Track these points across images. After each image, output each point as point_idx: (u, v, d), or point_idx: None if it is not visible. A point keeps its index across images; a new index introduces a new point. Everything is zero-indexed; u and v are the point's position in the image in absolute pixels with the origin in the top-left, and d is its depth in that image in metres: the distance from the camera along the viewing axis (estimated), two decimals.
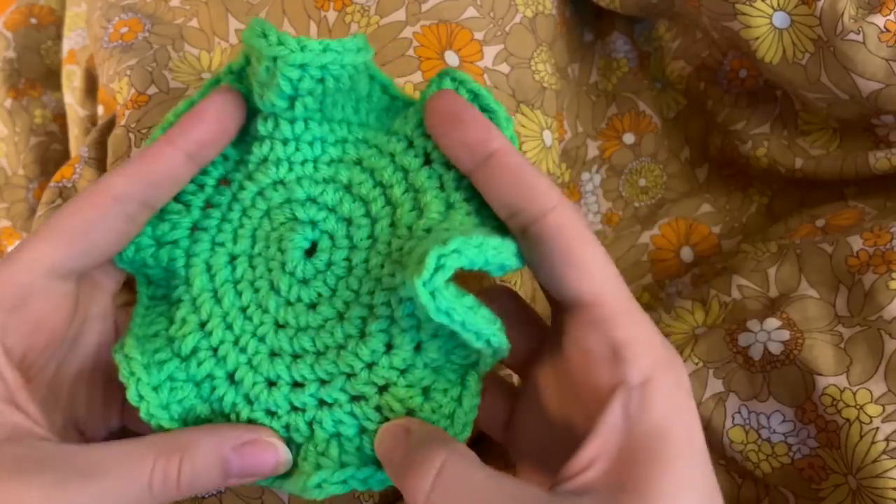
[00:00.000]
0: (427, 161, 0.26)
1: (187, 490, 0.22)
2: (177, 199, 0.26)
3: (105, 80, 0.38)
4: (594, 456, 0.20)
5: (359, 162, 0.27)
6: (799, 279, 0.33)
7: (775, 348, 0.31)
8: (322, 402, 0.24)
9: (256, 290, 0.26)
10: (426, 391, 0.24)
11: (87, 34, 0.47)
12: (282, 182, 0.26)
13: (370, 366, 0.24)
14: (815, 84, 0.35)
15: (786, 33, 0.35)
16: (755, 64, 0.37)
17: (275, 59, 0.23)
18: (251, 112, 0.26)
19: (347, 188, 0.26)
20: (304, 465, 0.24)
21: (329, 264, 0.26)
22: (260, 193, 0.26)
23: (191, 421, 0.25)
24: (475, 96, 0.25)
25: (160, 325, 0.26)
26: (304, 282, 0.26)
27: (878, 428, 0.28)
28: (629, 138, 0.45)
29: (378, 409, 0.24)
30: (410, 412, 0.24)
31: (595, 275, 0.21)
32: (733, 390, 0.31)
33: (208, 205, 0.27)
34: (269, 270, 0.26)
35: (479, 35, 0.36)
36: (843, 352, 0.29)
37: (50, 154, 0.48)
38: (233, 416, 0.25)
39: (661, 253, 0.41)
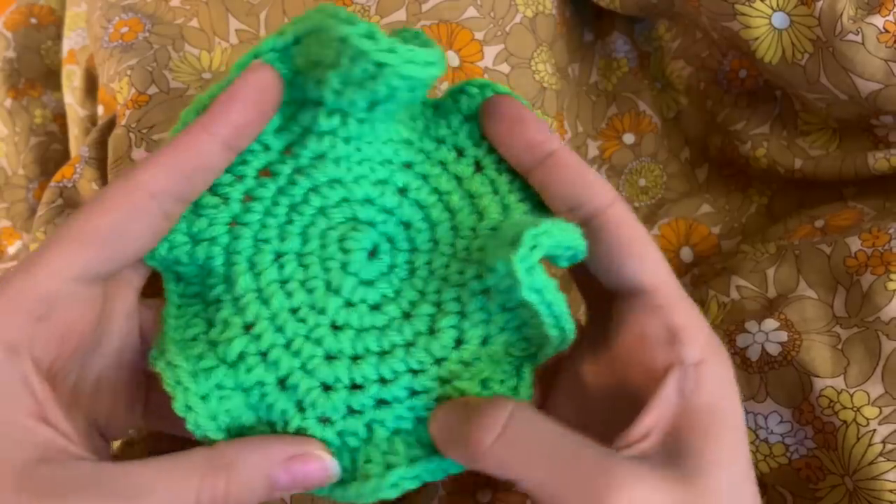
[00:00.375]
0: (478, 168, 0.26)
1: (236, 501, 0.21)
2: (212, 191, 0.24)
3: (105, 80, 0.38)
4: (650, 427, 0.21)
5: (409, 165, 0.26)
6: (797, 280, 0.33)
7: (773, 349, 0.31)
8: (380, 402, 0.24)
9: (310, 291, 0.24)
10: (484, 382, 0.24)
11: (87, 34, 0.47)
12: (339, 181, 0.25)
13: (440, 361, 0.24)
14: (815, 84, 0.35)
15: (785, 34, 0.35)
16: (755, 64, 0.37)
17: (380, 64, 0.21)
18: (291, 97, 0.24)
19: (402, 191, 0.26)
20: (368, 467, 0.23)
21: (392, 266, 0.25)
22: (314, 190, 0.25)
23: (235, 431, 0.23)
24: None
25: (197, 328, 0.24)
26: (368, 283, 0.25)
27: (874, 430, 0.28)
28: (629, 138, 0.45)
29: (437, 400, 0.24)
30: None
31: (654, 265, 0.23)
32: None
33: (248, 197, 0.25)
34: (327, 270, 0.25)
35: (479, 35, 0.36)
36: (840, 353, 0.29)
37: (50, 154, 0.48)
38: (280, 425, 0.24)
39: None
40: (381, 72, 0.21)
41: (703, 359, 0.22)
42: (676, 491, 0.19)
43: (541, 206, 0.26)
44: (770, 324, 0.31)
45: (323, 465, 0.23)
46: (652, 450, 0.21)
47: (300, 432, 0.23)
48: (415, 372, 0.24)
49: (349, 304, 0.24)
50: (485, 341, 0.25)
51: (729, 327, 0.32)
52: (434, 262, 0.26)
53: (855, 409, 0.28)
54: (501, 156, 0.26)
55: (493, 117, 0.25)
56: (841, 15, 0.33)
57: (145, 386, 0.26)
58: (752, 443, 0.31)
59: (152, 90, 0.35)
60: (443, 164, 0.27)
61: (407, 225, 0.26)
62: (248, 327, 0.24)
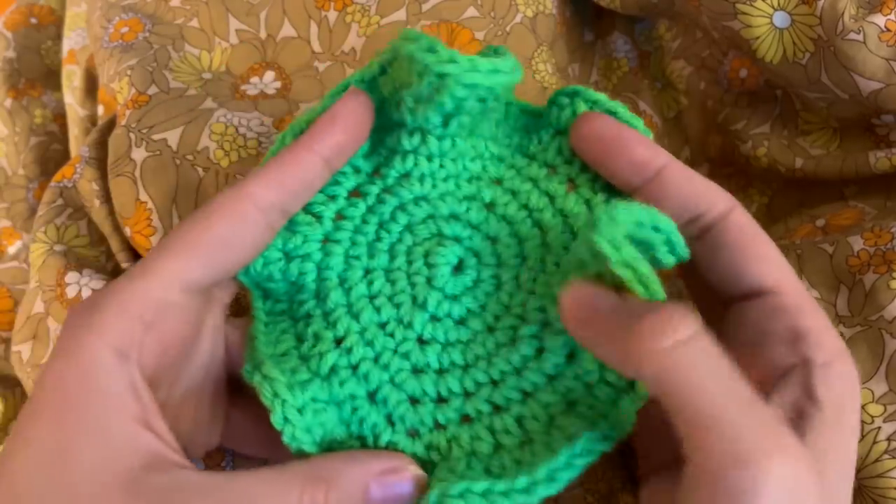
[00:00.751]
0: (571, 186, 0.26)
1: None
2: (306, 210, 0.25)
3: (105, 80, 0.38)
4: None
5: (499, 181, 0.27)
6: (799, 279, 0.33)
7: None
8: (464, 418, 0.24)
9: (397, 306, 0.25)
10: (572, 404, 0.23)
11: (87, 34, 0.46)
12: (424, 198, 0.26)
13: (519, 371, 0.24)
14: (816, 84, 0.35)
15: (786, 33, 0.35)
16: (755, 63, 0.37)
17: (442, 75, 0.22)
18: (379, 123, 0.26)
19: (489, 207, 0.26)
20: (433, 482, 0.22)
21: (477, 281, 0.25)
22: (401, 208, 0.26)
23: (327, 445, 0.23)
24: (614, 113, 0.25)
25: (288, 344, 0.25)
26: (454, 297, 0.25)
27: (879, 428, 0.28)
28: None
29: (519, 420, 0.23)
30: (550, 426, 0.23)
31: (778, 266, 0.23)
32: None
33: (339, 216, 0.26)
34: (413, 286, 0.25)
35: (479, 35, 0.36)
36: None
37: (50, 154, 0.48)
38: (371, 439, 0.24)
39: None
40: (443, 83, 0.22)
41: (831, 361, 0.22)
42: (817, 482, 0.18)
43: None
44: None
45: (415, 478, 0.22)
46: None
47: (390, 446, 0.24)
48: (495, 383, 0.24)
49: (435, 318, 0.25)
50: (571, 356, 0.24)
51: None
52: (521, 276, 0.25)
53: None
54: (596, 173, 0.26)
55: (586, 139, 0.25)
56: (842, 14, 0.33)
57: (227, 403, 0.26)
58: None
59: (152, 90, 0.35)
60: (534, 181, 0.26)
61: (494, 240, 0.26)
62: (338, 341, 0.24)
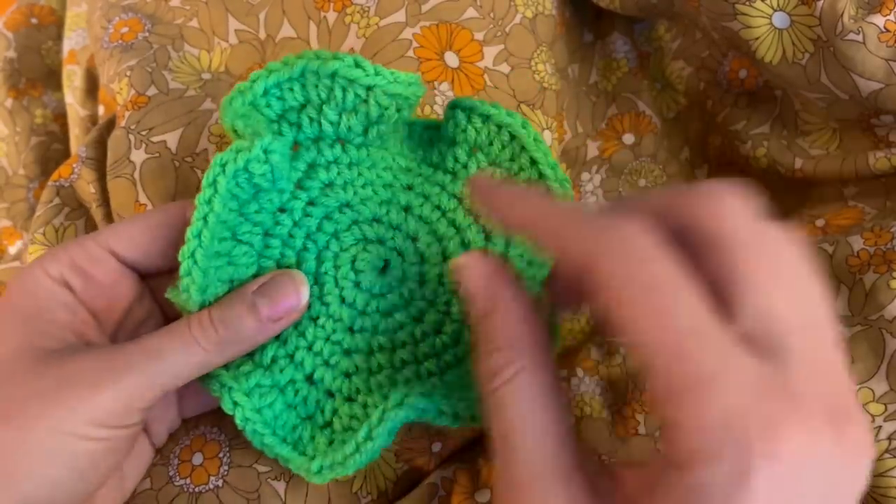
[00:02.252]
0: None
1: (227, 332, 0.25)
2: (239, 241, 0.27)
3: (105, 81, 0.38)
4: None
5: (410, 187, 0.29)
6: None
7: None
8: (395, 381, 0.27)
9: (326, 305, 0.28)
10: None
11: (87, 34, 0.46)
12: (348, 204, 0.28)
13: (438, 353, 0.28)
14: (815, 84, 0.35)
15: (786, 33, 0.35)
16: (755, 64, 0.37)
17: (370, 87, 0.25)
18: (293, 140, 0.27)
19: (406, 210, 0.29)
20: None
21: (402, 279, 0.28)
22: (327, 217, 0.28)
23: (279, 428, 0.27)
24: (487, 118, 0.28)
25: None
26: (381, 295, 0.28)
27: (880, 427, 0.28)
28: (629, 138, 0.45)
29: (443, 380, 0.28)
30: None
31: (647, 347, 0.18)
32: None
33: (266, 234, 0.28)
34: (341, 288, 0.28)
35: (479, 35, 0.36)
36: (844, 351, 0.29)
37: (50, 154, 0.48)
38: (318, 413, 0.28)
39: None
40: (371, 94, 0.25)
41: (692, 463, 0.17)
42: None
43: None
44: None
45: (293, 280, 0.26)
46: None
47: (335, 416, 0.27)
48: (419, 361, 0.28)
49: (363, 312, 0.28)
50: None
51: None
52: (445, 276, 0.28)
53: (860, 406, 0.28)
54: (497, 170, 0.29)
55: (478, 204, 0.24)
56: (842, 14, 0.33)
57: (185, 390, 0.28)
58: None
59: (151, 91, 0.35)
60: (441, 185, 0.29)
61: (415, 238, 0.28)
62: (276, 336, 0.27)
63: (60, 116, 0.49)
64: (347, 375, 0.28)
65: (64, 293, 0.26)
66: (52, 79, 0.50)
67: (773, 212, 0.19)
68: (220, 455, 0.29)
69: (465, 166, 0.29)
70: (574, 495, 0.19)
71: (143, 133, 0.34)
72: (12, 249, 0.46)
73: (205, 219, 0.25)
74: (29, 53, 0.50)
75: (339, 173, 0.28)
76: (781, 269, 0.18)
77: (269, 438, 0.26)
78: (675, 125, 0.45)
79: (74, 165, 0.37)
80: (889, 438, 0.27)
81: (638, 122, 0.45)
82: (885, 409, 0.28)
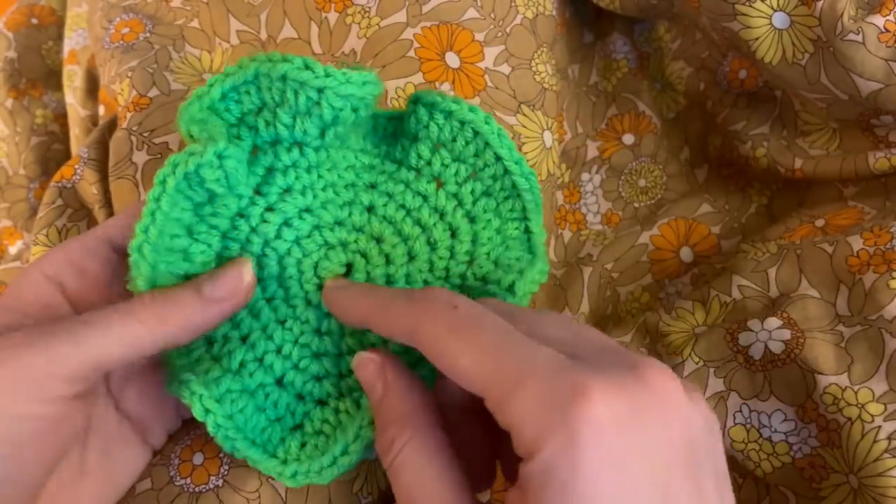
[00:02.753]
0: (439, 184, 0.28)
1: (166, 306, 0.24)
2: (196, 239, 0.26)
3: (106, 81, 0.38)
4: None
5: (373, 186, 0.28)
6: (799, 279, 0.33)
7: (776, 347, 0.31)
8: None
9: (293, 307, 0.27)
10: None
11: (88, 34, 0.47)
12: (308, 210, 0.27)
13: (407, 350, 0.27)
14: (815, 84, 0.35)
15: (785, 34, 0.35)
16: (755, 64, 0.37)
17: (322, 90, 0.24)
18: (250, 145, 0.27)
19: (369, 210, 0.28)
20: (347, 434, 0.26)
21: (367, 280, 0.28)
22: (286, 223, 0.27)
23: (249, 431, 0.26)
24: (449, 114, 0.28)
25: (199, 351, 0.27)
26: None
27: (879, 427, 0.28)
28: (629, 139, 0.45)
29: None
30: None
31: (467, 376, 0.20)
32: (734, 389, 0.31)
33: (225, 236, 0.27)
34: (306, 291, 0.27)
35: (479, 36, 0.36)
36: (843, 351, 0.29)
37: (51, 154, 0.48)
38: (288, 417, 0.27)
39: (661, 253, 0.41)
40: (323, 96, 0.24)
41: (530, 451, 0.18)
42: None
43: (506, 213, 0.29)
44: (773, 322, 0.31)
45: (240, 267, 0.26)
46: None
47: (305, 416, 0.27)
48: None
49: (329, 315, 0.27)
50: None
51: (731, 326, 0.32)
52: (413, 276, 0.28)
53: (860, 405, 0.28)
54: (461, 166, 0.28)
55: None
56: (841, 15, 0.33)
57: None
58: (755, 441, 0.31)
59: (153, 92, 0.35)
60: (405, 183, 0.28)
61: (379, 239, 0.28)
62: (244, 339, 0.27)
63: (61, 116, 0.49)
64: (318, 379, 0.28)
65: (50, 291, 0.26)
66: (52, 79, 0.50)
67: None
68: (221, 455, 0.29)
69: (429, 163, 0.28)
70: None
71: (145, 135, 0.34)
72: (13, 249, 0.46)
73: (152, 215, 0.25)
74: (29, 53, 0.50)
75: (297, 178, 0.27)
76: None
77: (240, 443, 0.26)
78: (674, 125, 0.45)
79: (76, 167, 0.37)
80: (889, 438, 0.27)
81: (638, 122, 0.45)
82: (885, 409, 0.28)
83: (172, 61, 0.37)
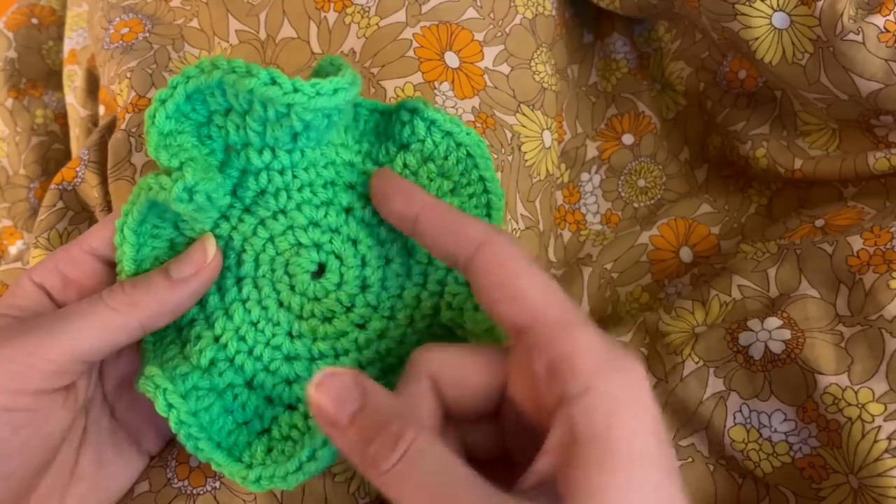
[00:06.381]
0: None
1: (136, 291, 0.25)
2: (182, 234, 0.27)
3: (106, 82, 0.38)
4: (544, 471, 0.20)
5: (352, 186, 0.28)
6: (799, 279, 0.33)
7: (776, 347, 0.31)
8: None
9: (265, 308, 0.27)
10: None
11: (88, 34, 0.47)
12: (282, 211, 0.27)
13: (382, 358, 0.28)
14: (815, 84, 0.35)
15: (785, 34, 0.35)
16: (755, 64, 0.37)
17: (289, 105, 0.24)
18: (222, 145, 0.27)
19: (347, 211, 0.28)
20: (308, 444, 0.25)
21: (340, 283, 0.27)
22: (261, 223, 0.27)
23: (214, 433, 0.26)
24: (447, 134, 0.28)
25: (174, 351, 0.27)
26: (317, 299, 0.27)
27: (879, 427, 0.28)
28: (628, 139, 0.45)
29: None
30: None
31: (528, 302, 0.22)
32: (734, 389, 0.31)
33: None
34: (278, 292, 0.27)
35: (479, 36, 0.36)
36: (844, 351, 0.29)
37: (51, 154, 0.48)
38: (257, 420, 0.27)
39: (661, 253, 0.41)
40: (291, 110, 0.24)
41: (588, 387, 0.20)
42: None
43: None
44: (773, 322, 0.31)
45: (204, 245, 0.26)
46: (540, 491, 0.20)
47: (273, 420, 0.27)
48: (362, 367, 0.28)
49: (301, 317, 0.27)
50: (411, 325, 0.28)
51: (731, 326, 0.32)
52: (389, 279, 0.28)
53: (860, 405, 0.28)
54: (444, 181, 0.28)
55: (373, 197, 0.27)
56: (841, 15, 0.33)
57: None
58: (755, 441, 0.31)
59: (152, 93, 0.35)
60: None
61: (355, 242, 0.28)
62: (217, 339, 0.27)
63: (61, 116, 0.49)
64: (288, 383, 0.27)
65: (39, 297, 0.27)
66: (52, 79, 0.50)
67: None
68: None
69: (414, 173, 0.28)
70: None
71: (144, 136, 0.34)
72: (13, 249, 0.46)
73: (122, 230, 0.26)
74: (29, 53, 0.50)
75: (270, 180, 0.27)
76: None
77: (204, 443, 0.25)
78: (674, 126, 0.45)
79: (77, 169, 0.37)
80: (889, 438, 0.27)
81: (637, 122, 0.45)
82: (885, 409, 0.28)
83: (172, 61, 0.37)
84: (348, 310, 0.27)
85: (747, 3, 0.35)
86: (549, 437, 0.20)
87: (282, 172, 0.27)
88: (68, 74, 0.47)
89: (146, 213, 0.25)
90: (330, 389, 0.21)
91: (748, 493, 0.31)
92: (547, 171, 0.38)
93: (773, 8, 0.35)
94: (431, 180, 0.28)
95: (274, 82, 0.23)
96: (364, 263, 0.28)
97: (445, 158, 0.28)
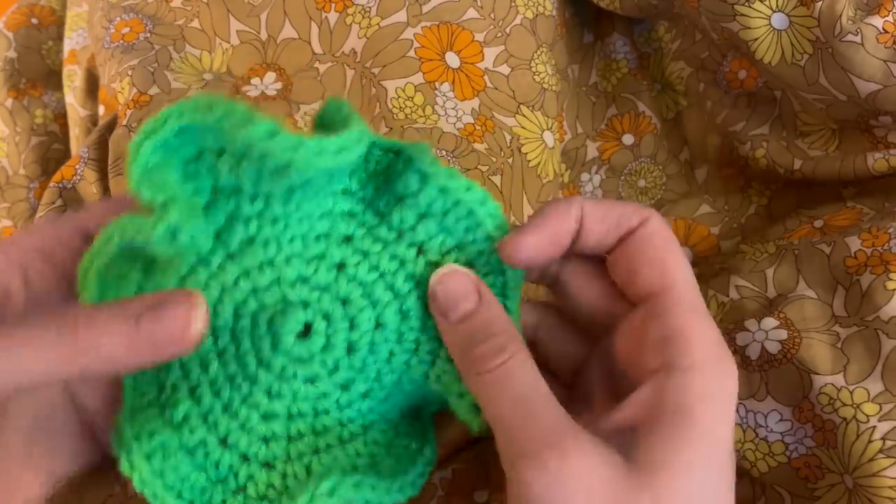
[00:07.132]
0: (419, 252, 0.26)
1: (90, 342, 0.20)
2: (159, 283, 0.24)
3: (106, 81, 0.38)
4: (624, 423, 0.22)
5: (349, 239, 0.26)
6: (797, 279, 0.33)
7: (773, 347, 0.31)
8: (314, 451, 0.26)
9: (244, 365, 0.25)
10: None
11: (88, 34, 0.47)
12: (269, 263, 0.25)
13: (364, 416, 0.27)
14: (814, 85, 0.35)
15: (784, 34, 0.35)
16: (754, 65, 0.37)
17: (290, 161, 0.21)
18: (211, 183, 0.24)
19: (340, 267, 0.25)
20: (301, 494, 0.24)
21: (326, 345, 0.25)
22: (245, 274, 0.24)
23: (186, 490, 0.24)
24: (443, 190, 0.25)
25: (152, 393, 0.25)
26: (300, 361, 0.25)
27: (874, 427, 0.28)
28: (628, 139, 0.45)
29: (360, 451, 0.26)
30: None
31: (672, 275, 0.24)
32: None
33: (183, 280, 0.25)
34: (258, 349, 0.25)
35: (479, 36, 0.36)
36: (840, 351, 0.30)
37: (51, 154, 0.48)
38: (231, 479, 0.25)
39: None
40: (291, 165, 0.21)
41: (693, 365, 0.22)
42: (618, 478, 0.20)
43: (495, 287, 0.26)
44: (770, 322, 0.31)
45: (188, 300, 0.21)
46: (616, 438, 0.22)
47: (249, 479, 0.25)
48: (342, 425, 0.26)
49: (281, 377, 0.25)
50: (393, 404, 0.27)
51: (728, 326, 0.32)
52: (378, 345, 0.26)
53: (855, 406, 0.28)
54: (447, 238, 0.26)
55: (523, 255, 0.25)
56: (840, 16, 0.33)
57: None
58: (751, 441, 0.31)
59: (154, 90, 0.35)
60: (384, 242, 0.26)
61: (345, 301, 0.25)
62: (192, 391, 0.25)
63: (61, 116, 0.49)
64: (265, 441, 0.25)
65: (10, 276, 0.23)
66: (52, 79, 0.50)
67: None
68: None
69: (413, 229, 0.26)
70: (595, 440, 0.21)
71: None
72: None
73: (85, 275, 0.22)
74: (29, 53, 0.50)
75: (260, 229, 0.24)
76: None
77: (173, 502, 0.23)
78: (674, 126, 0.45)
79: (77, 167, 0.38)
80: (883, 438, 0.28)
81: (637, 122, 0.45)
82: (880, 409, 0.28)
83: (173, 61, 0.37)
84: (332, 372, 0.26)
85: (746, 4, 0.35)
86: (637, 391, 0.22)
87: (274, 222, 0.24)
88: (68, 74, 0.47)
89: (115, 256, 0.22)
90: (450, 284, 0.24)
91: (744, 492, 0.32)
92: (553, 170, 0.38)
93: (772, 9, 0.35)
94: (432, 238, 0.26)
95: (274, 135, 0.21)
96: (353, 326, 0.25)
97: (445, 215, 0.26)
